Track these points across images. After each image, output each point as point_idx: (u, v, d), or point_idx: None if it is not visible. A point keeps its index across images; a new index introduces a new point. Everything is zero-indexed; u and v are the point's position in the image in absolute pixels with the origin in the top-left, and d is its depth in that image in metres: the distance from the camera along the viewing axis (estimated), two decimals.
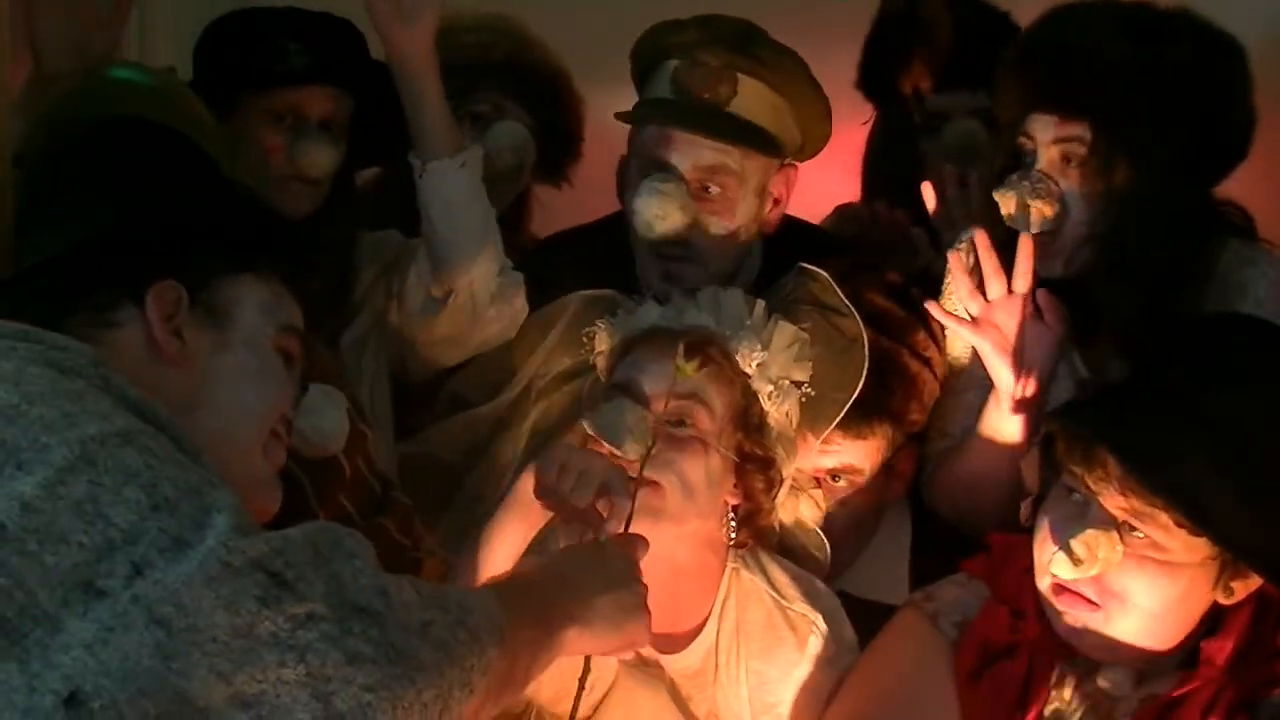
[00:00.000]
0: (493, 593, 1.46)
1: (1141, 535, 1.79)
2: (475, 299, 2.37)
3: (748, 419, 2.04)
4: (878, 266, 2.40)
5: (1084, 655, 1.88)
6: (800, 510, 2.20)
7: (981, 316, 2.19)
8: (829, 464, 2.25)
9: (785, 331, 2.09)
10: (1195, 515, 1.75)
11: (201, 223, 1.56)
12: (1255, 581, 1.82)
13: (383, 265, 2.52)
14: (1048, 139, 2.14)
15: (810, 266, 2.24)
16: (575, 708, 1.76)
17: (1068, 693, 1.90)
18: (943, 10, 2.69)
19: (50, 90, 2.11)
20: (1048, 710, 1.90)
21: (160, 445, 1.30)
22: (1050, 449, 1.88)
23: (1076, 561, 1.79)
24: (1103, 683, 1.88)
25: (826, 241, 2.61)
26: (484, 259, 2.36)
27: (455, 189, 2.32)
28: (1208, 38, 2.14)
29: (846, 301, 2.18)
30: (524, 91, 2.74)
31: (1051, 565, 1.83)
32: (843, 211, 2.86)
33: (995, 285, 2.18)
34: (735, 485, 2.04)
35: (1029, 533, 1.91)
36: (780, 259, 2.35)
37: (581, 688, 1.73)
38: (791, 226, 2.50)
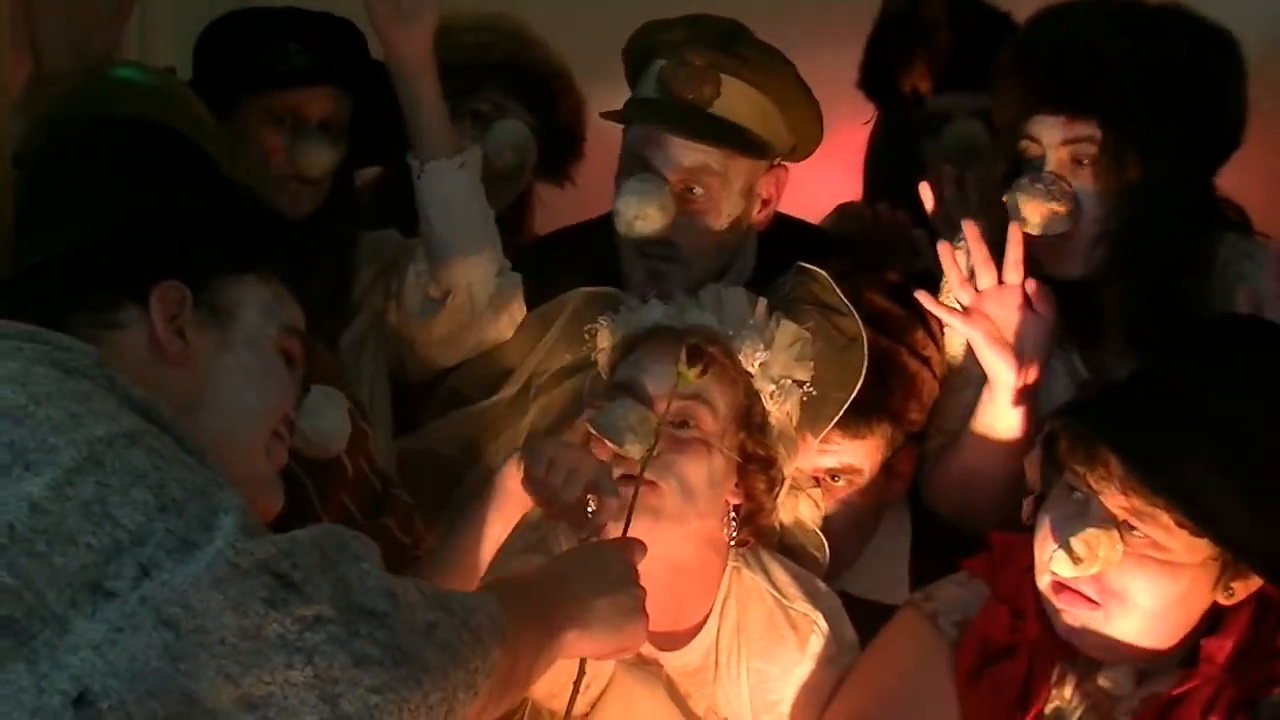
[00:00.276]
0: (494, 594, 1.46)
1: (1142, 535, 1.79)
2: (473, 300, 2.37)
3: (750, 418, 2.04)
4: (877, 266, 2.40)
5: (1084, 654, 1.88)
6: (799, 510, 2.20)
7: (972, 307, 2.18)
8: (828, 464, 2.25)
9: (787, 330, 2.09)
10: (1196, 516, 1.75)
11: (204, 223, 1.56)
12: (1256, 582, 1.82)
13: (382, 265, 2.52)
14: (1056, 140, 2.14)
15: (809, 266, 2.24)
16: (570, 708, 1.76)
17: (1068, 692, 1.90)
18: (944, 11, 2.69)
19: (50, 90, 2.11)
20: (1048, 709, 1.90)
21: (166, 446, 1.30)
22: (1052, 447, 1.88)
23: (1076, 560, 1.79)
24: (1103, 682, 1.89)
25: (825, 241, 2.61)
26: (482, 260, 2.36)
27: (454, 190, 2.32)
28: (1201, 30, 2.14)
29: (846, 301, 2.18)
30: (525, 90, 2.74)
31: (1051, 563, 1.83)
32: (844, 211, 2.87)
33: (985, 275, 2.18)
34: (737, 485, 2.04)
35: (1029, 531, 1.91)
36: (776, 258, 2.35)
37: (576, 689, 1.73)
38: (788, 226, 2.51)
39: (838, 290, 2.19)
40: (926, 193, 2.45)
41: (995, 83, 2.23)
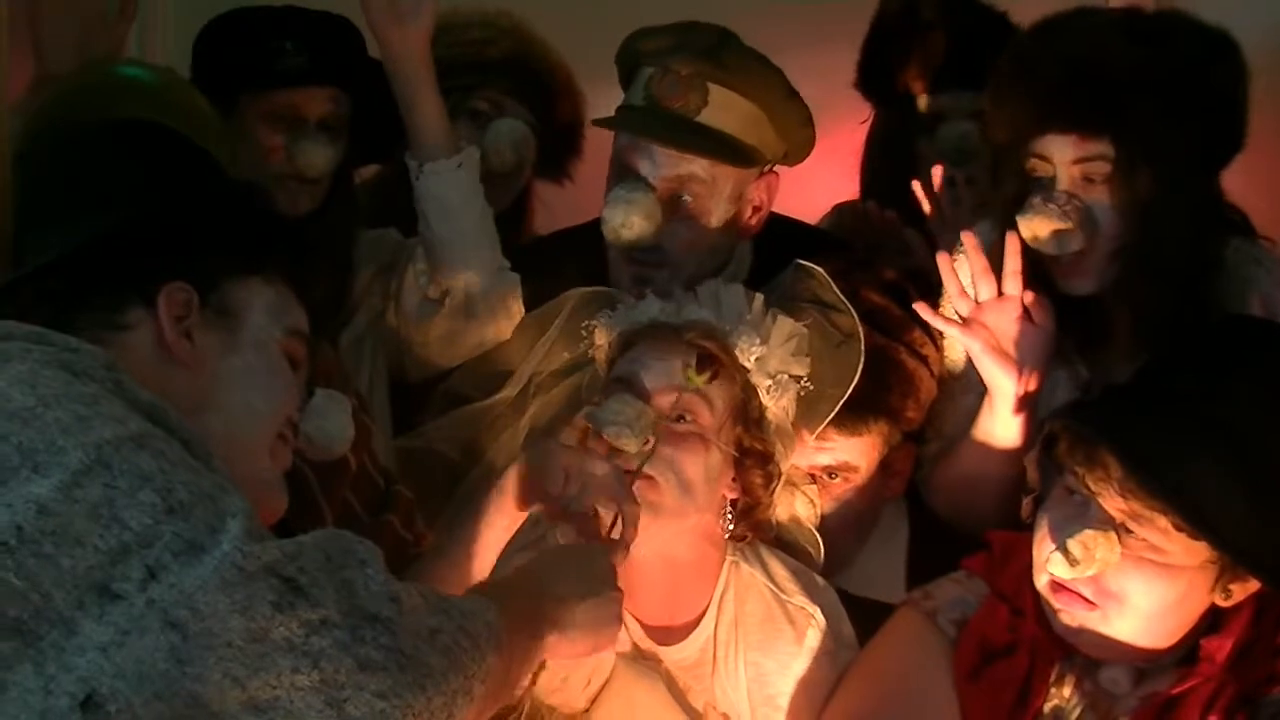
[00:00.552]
0: (487, 598, 1.47)
1: (1140, 537, 1.79)
2: (471, 300, 2.37)
3: (747, 413, 2.04)
4: (874, 264, 2.40)
5: (1082, 654, 1.89)
6: (795, 507, 2.20)
7: (971, 317, 2.19)
8: (825, 461, 2.25)
9: (784, 326, 2.09)
10: (1196, 520, 1.75)
11: (212, 225, 1.56)
12: (1254, 584, 1.82)
13: (380, 265, 2.52)
14: (1068, 159, 2.13)
15: (807, 263, 2.24)
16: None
17: (1067, 690, 1.91)
18: (939, 11, 2.69)
19: (51, 87, 2.11)
20: (1047, 708, 1.90)
21: (173, 449, 1.30)
22: (1052, 448, 1.88)
23: (1073, 562, 1.80)
24: (1102, 680, 1.89)
25: (821, 239, 2.61)
26: (480, 260, 2.36)
27: (452, 190, 2.32)
28: (1205, 37, 2.14)
29: (843, 298, 2.18)
30: (524, 88, 2.74)
31: (1049, 564, 1.83)
32: (841, 209, 2.87)
33: (984, 286, 2.18)
34: (734, 480, 2.04)
35: (1029, 530, 1.91)
36: (773, 259, 2.34)
37: (532, 683, 1.72)
38: (783, 225, 2.50)
39: (835, 288, 2.19)
40: (920, 192, 2.46)
41: (994, 97, 2.22)
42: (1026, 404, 2.17)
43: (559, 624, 1.55)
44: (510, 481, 1.81)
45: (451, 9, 2.68)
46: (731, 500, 2.06)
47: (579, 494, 1.78)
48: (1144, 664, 1.88)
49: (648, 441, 1.96)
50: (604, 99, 2.50)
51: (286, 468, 1.61)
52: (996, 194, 2.26)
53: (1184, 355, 1.91)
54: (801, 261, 2.25)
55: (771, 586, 2.07)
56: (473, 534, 1.82)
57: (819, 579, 2.12)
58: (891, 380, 2.26)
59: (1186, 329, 2.04)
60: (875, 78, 2.80)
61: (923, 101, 2.71)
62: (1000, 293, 2.17)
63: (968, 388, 2.28)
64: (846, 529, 2.30)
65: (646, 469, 1.94)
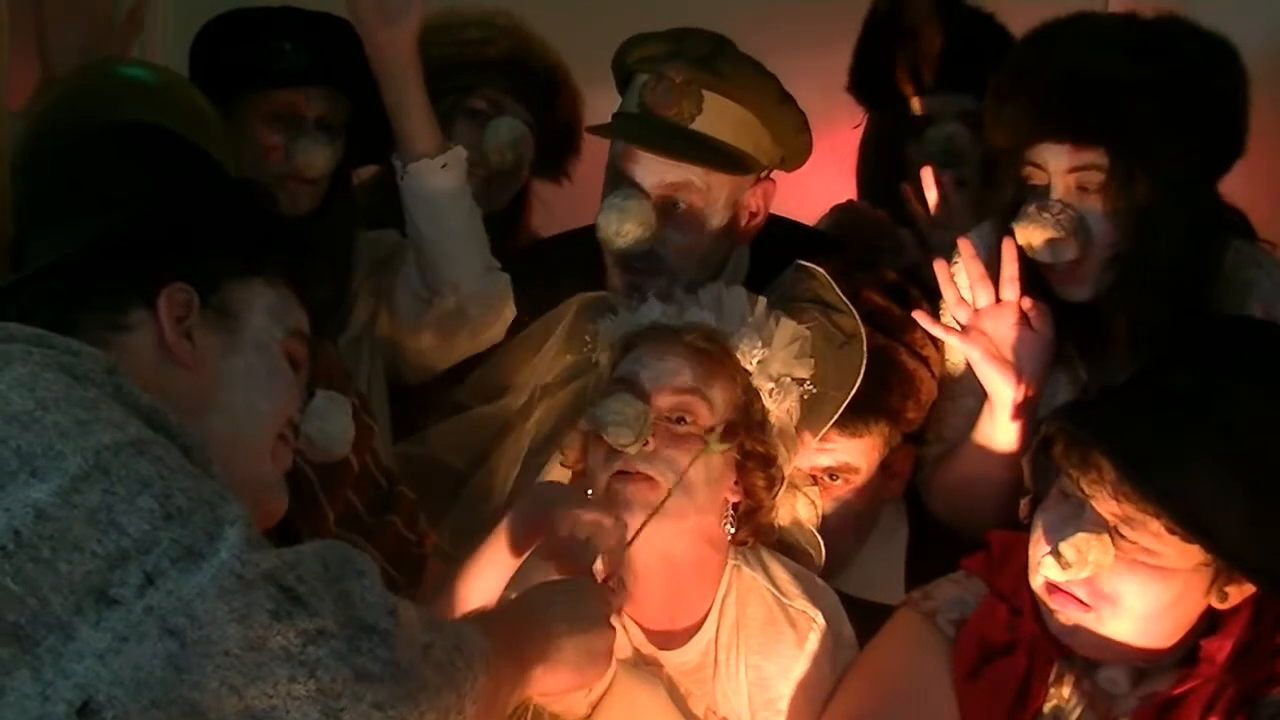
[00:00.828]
0: (475, 624, 1.47)
1: (1133, 540, 1.79)
2: (461, 300, 2.37)
3: (749, 416, 2.04)
4: (875, 264, 2.40)
5: (1079, 654, 1.89)
6: (796, 509, 2.20)
7: (970, 324, 2.19)
8: (826, 462, 2.25)
9: (787, 328, 2.10)
10: (1188, 523, 1.75)
11: (213, 226, 1.56)
12: (1250, 587, 1.81)
13: (374, 265, 2.52)
14: (1062, 168, 2.13)
15: (808, 264, 2.23)
16: None
17: (1066, 690, 1.90)
18: (929, 14, 2.70)
19: (53, 88, 2.11)
20: (1046, 708, 1.90)
21: (172, 455, 1.30)
22: (1049, 449, 1.88)
23: (1066, 564, 1.80)
24: (1101, 681, 1.89)
25: (819, 241, 2.61)
26: (469, 259, 2.36)
27: (438, 189, 2.32)
28: (1203, 43, 2.14)
29: (845, 299, 2.18)
30: (522, 87, 2.73)
31: (1042, 567, 1.83)
32: (839, 210, 2.88)
33: (982, 293, 2.19)
34: (736, 482, 2.04)
35: (1028, 530, 1.91)
36: (769, 260, 2.34)
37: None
38: (780, 227, 2.50)
39: (836, 288, 2.19)
40: (911, 195, 2.46)
41: (992, 103, 2.22)
42: (1026, 409, 2.17)
43: (546, 658, 1.55)
44: (508, 525, 1.81)
45: (450, 8, 2.68)
46: (733, 503, 2.06)
47: (585, 546, 1.76)
48: (1142, 664, 1.88)
49: (646, 442, 1.95)
50: (603, 99, 2.50)
51: (287, 469, 1.61)
52: (993, 198, 2.26)
53: (1181, 357, 1.91)
54: (802, 262, 2.25)
55: (773, 590, 2.07)
56: (472, 577, 1.82)
57: (820, 582, 2.12)
58: (892, 381, 2.26)
59: (1184, 332, 2.03)
60: (866, 80, 2.81)
61: (914, 104, 2.72)
62: (998, 299, 2.17)
63: (967, 389, 2.29)
64: (846, 530, 2.30)
65: (645, 469, 1.95)
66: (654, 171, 2.31)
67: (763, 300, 2.13)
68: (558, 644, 1.56)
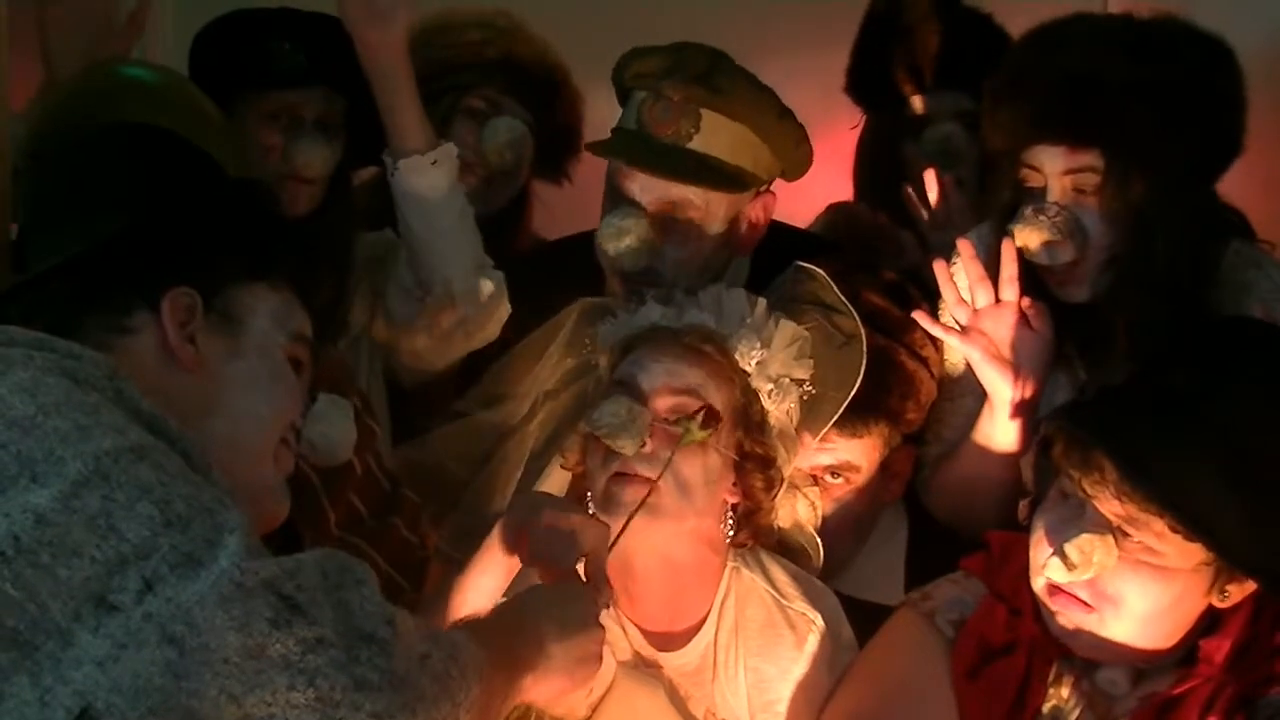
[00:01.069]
0: (468, 633, 1.47)
1: (1136, 540, 1.79)
2: (453, 297, 2.37)
3: (748, 417, 2.04)
4: (874, 265, 2.40)
5: (1079, 655, 1.89)
6: (796, 510, 2.20)
7: (969, 325, 2.19)
8: (826, 462, 2.25)
9: (786, 330, 2.10)
10: (1191, 522, 1.75)
11: (217, 230, 1.57)
12: (1251, 585, 1.81)
13: (368, 264, 2.52)
14: (1058, 170, 2.14)
15: (807, 265, 2.23)
16: None
17: (1066, 690, 1.90)
18: (925, 14, 2.70)
19: (56, 89, 2.11)
20: (1046, 708, 1.90)
21: (172, 462, 1.30)
22: (1049, 450, 1.88)
23: (1070, 566, 1.79)
24: (1100, 681, 1.89)
25: (815, 245, 2.60)
26: (461, 257, 2.36)
27: (428, 187, 2.31)
28: (1200, 44, 2.14)
29: (844, 300, 2.18)
30: (521, 88, 2.73)
31: (1046, 569, 1.83)
32: (834, 210, 2.88)
33: (981, 294, 2.19)
34: (734, 484, 2.04)
35: (1028, 531, 1.91)
36: (768, 266, 2.34)
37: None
38: (778, 233, 2.49)
39: (836, 289, 2.19)
40: (912, 198, 2.46)
41: (990, 104, 2.22)
42: (1025, 409, 2.17)
43: (536, 663, 1.55)
44: (498, 536, 1.80)
45: (450, 9, 2.68)
46: (732, 505, 2.05)
47: (564, 551, 1.74)
48: (1142, 665, 1.88)
49: (644, 444, 1.95)
50: (603, 100, 2.50)
51: (289, 473, 1.62)
52: (992, 199, 2.26)
53: (1180, 356, 1.90)
54: (802, 263, 2.24)
55: (772, 592, 2.07)
56: (464, 589, 1.81)
57: (819, 584, 2.12)
58: (892, 381, 2.26)
59: (1183, 332, 2.03)
60: (864, 80, 2.81)
61: (911, 104, 2.72)
62: (998, 299, 2.17)
63: (967, 389, 2.29)
64: (846, 531, 2.30)
65: (644, 470, 1.95)
66: (652, 189, 2.31)
67: (762, 301, 2.12)
68: (548, 651, 1.56)
